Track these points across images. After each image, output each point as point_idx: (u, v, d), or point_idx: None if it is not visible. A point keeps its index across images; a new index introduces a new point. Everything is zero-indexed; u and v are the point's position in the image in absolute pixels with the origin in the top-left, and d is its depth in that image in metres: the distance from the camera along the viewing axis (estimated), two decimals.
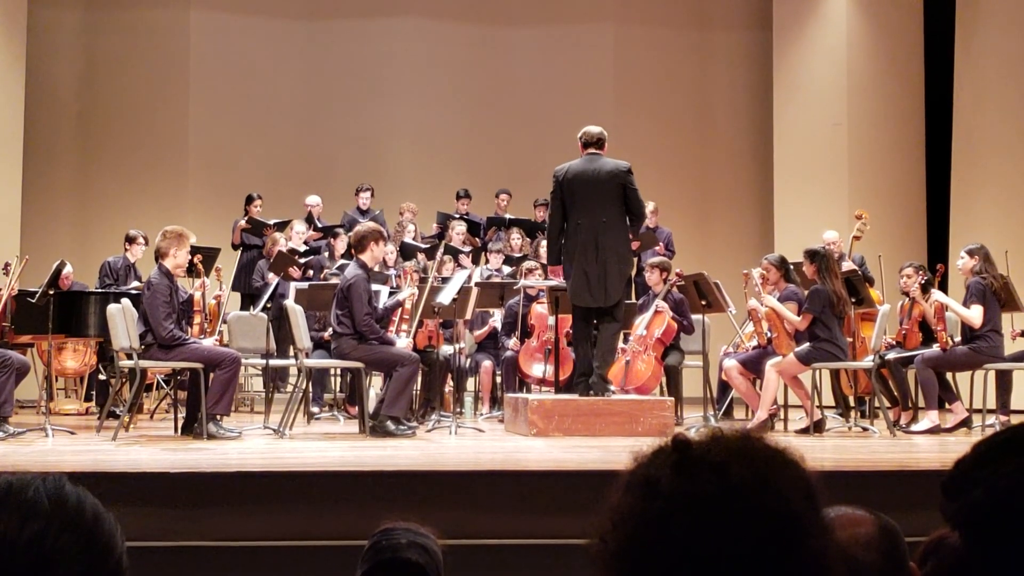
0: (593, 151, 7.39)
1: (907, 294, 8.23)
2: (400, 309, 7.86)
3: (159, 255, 7.09)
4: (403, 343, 7.53)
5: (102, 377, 9.09)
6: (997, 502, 1.19)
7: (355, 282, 7.28)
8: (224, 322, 8.80)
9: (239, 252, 10.55)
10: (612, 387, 7.62)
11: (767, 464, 1.09)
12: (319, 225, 10.76)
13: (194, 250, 7.51)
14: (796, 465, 1.12)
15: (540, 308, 8.89)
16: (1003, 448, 1.24)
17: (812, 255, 7.74)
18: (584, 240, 7.24)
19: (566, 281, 7.34)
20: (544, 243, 9.04)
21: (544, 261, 8.77)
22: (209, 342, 7.28)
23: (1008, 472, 1.19)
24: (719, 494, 1.05)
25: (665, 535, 1.05)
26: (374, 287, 8.05)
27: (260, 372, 9.63)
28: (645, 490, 1.08)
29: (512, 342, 9.05)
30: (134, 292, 8.30)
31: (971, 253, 7.90)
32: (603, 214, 7.24)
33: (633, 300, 9.81)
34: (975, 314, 7.66)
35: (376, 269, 8.66)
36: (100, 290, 9.10)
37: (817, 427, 7.57)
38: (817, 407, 7.68)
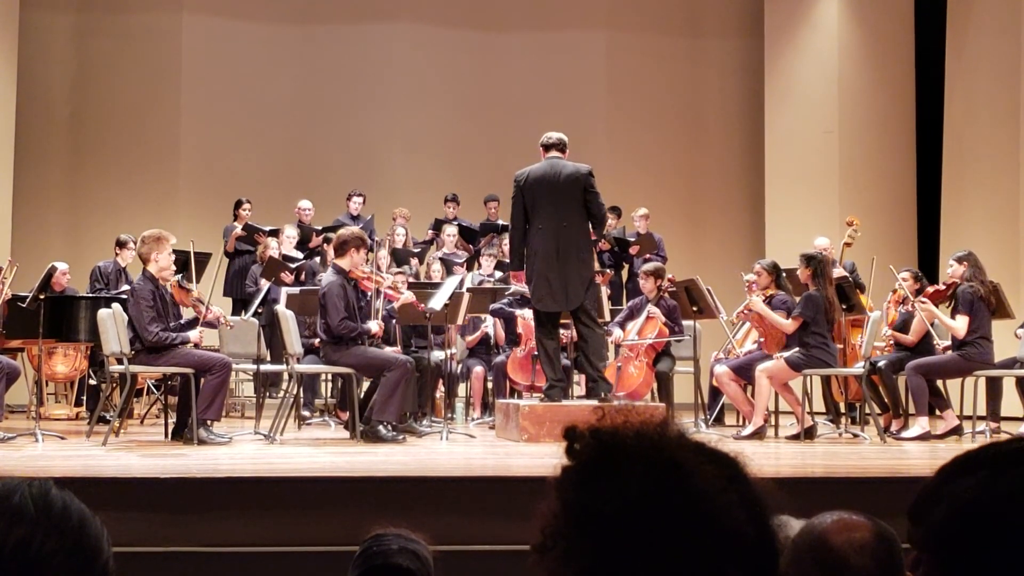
0: (554, 154, 7.39)
1: (896, 297, 8.27)
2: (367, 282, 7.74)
3: (142, 261, 7.09)
4: (374, 327, 7.41)
5: (92, 382, 9.06)
6: (959, 517, 1.17)
7: (328, 289, 7.23)
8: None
9: (231, 259, 10.52)
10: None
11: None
12: (318, 230, 10.65)
13: (185, 255, 7.48)
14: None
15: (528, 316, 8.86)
16: (962, 467, 1.22)
17: (808, 259, 7.76)
18: (545, 245, 7.23)
19: (528, 286, 7.37)
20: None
21: None
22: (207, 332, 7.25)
23: (968, 486, 1.18)
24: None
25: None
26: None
27: (251, 377, 9.61)
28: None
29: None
30: (124, 297, 8.28)
31: (960, 260, 7.90)
32: (564, 218, 7.23)
33: (623, 305, 9.82)
34: (960, 325, 7.67)
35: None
36: (91, 295, 9.07)
37: (808, 433, 7.58)
38: (808, 413, 7.69)
